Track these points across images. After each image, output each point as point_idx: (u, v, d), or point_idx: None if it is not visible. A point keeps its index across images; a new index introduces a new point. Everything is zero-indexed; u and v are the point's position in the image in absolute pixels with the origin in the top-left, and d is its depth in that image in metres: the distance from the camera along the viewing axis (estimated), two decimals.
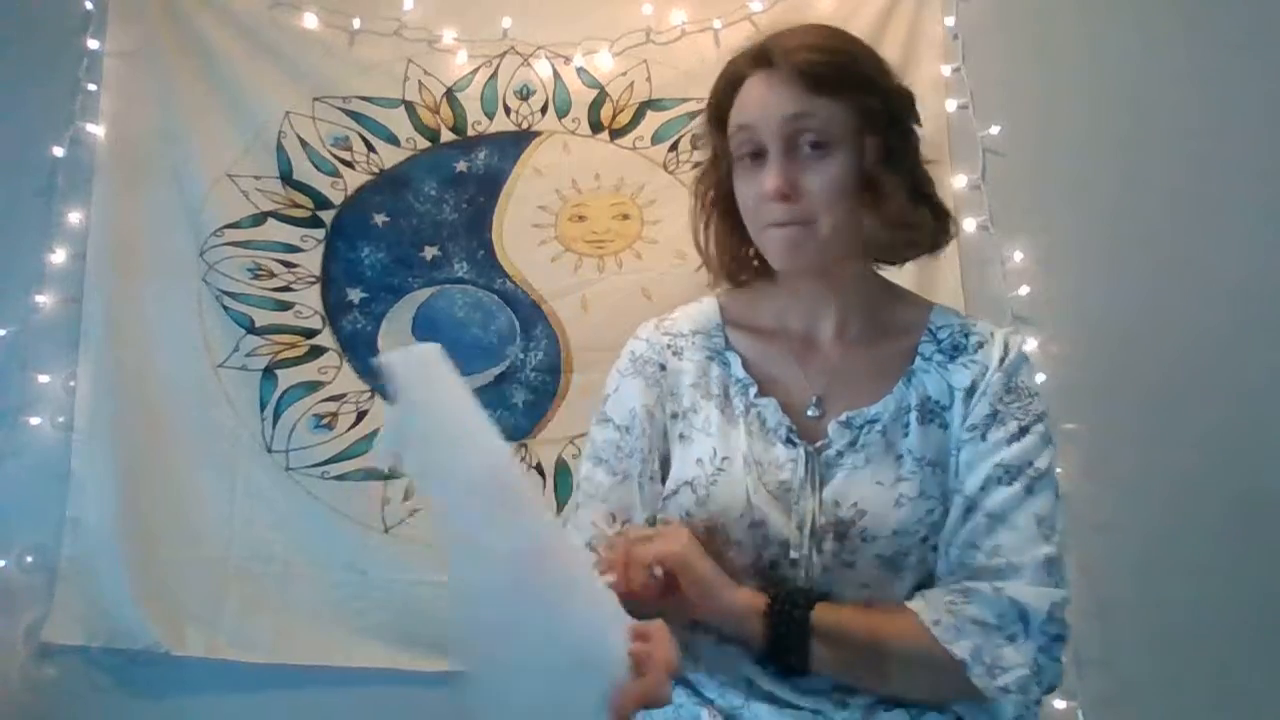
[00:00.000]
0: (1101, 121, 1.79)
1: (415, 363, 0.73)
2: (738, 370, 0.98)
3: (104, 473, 1.80)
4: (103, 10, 1.88)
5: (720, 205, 1.00)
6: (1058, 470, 0.92)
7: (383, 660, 1.75)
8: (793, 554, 0.90)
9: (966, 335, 0.96)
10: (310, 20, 1.87)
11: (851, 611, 0.87)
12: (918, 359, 0.96)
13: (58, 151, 1.85)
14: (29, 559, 1.81)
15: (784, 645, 0.86)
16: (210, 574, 1.78)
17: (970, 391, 0.92)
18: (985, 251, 1.79)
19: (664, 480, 0.98)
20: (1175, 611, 1.71)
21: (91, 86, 1.87)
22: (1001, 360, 0.93)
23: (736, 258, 1.02)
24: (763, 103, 0.90)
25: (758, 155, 0.91)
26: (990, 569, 0.86)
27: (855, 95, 0.90)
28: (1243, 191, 1.78)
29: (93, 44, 1.88)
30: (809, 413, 0.95)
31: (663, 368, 1.00)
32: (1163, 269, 1.78)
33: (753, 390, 0.96)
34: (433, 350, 0.73)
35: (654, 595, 0.83)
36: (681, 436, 0.97)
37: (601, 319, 1.80)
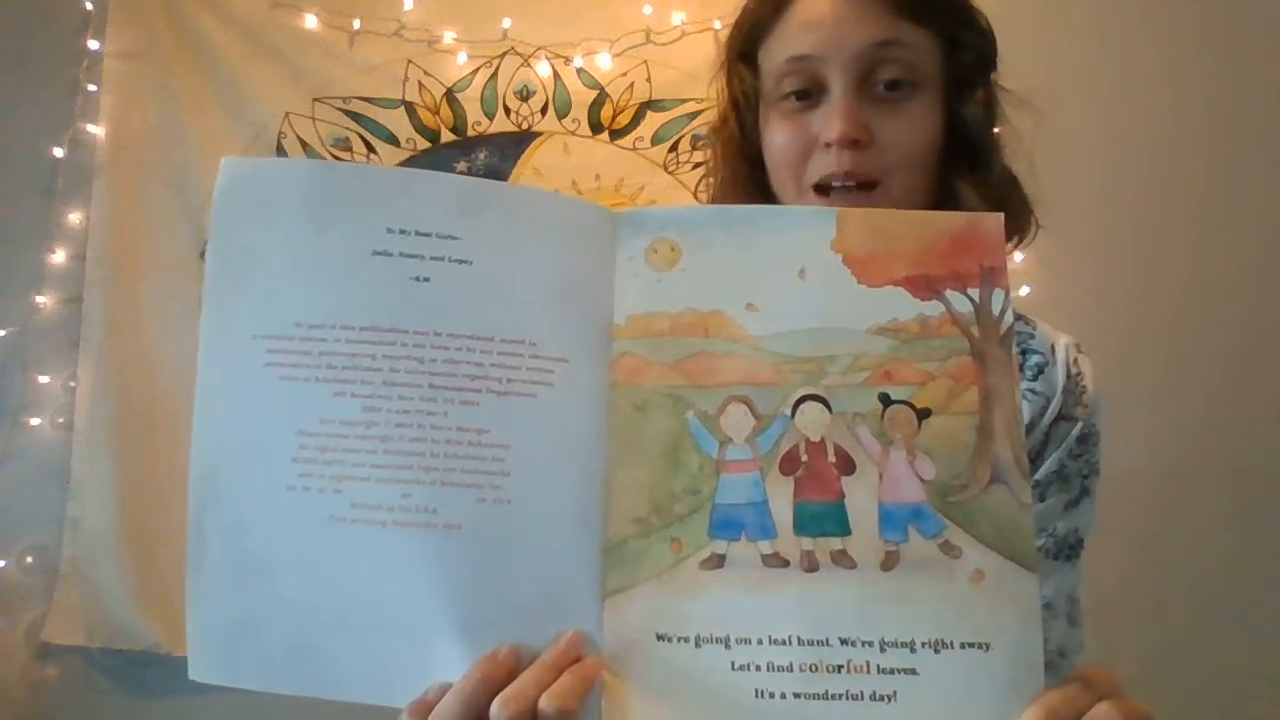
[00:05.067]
0: (1101, 122, 1.79)
1: None
2: None
3: (104, 473, 1.79)
4: (103, 11, 1.87)
5: (740, 165, 0.80)
6: None
7: None
8: None
9: (1024, 353, 0.77)
10: (310, 21, 1.87)
11: None
12: None
13: (58, 151, 1.85)
14: (29, 559, 1.80)
15: None
16: None
17: (1028, 430, 0.73)
18: None
19: None
20: (1175, 612, 1.71)
21: (91, 87, 1.86)
22: (1065, 390, 0.75)
23: None
24: (834, 25, 0.70)
25: (806, 95, 0.72)
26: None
27: (952, 26, 0.72)
28: (1243, 190, 1.78)
29: (93, 44, 1.87)
30: None
31: None
32: (1163, 268, 1.78)
33: None
34: None
35: None
36: None
37: None
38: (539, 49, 1.87)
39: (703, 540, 0.50)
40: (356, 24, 1.87)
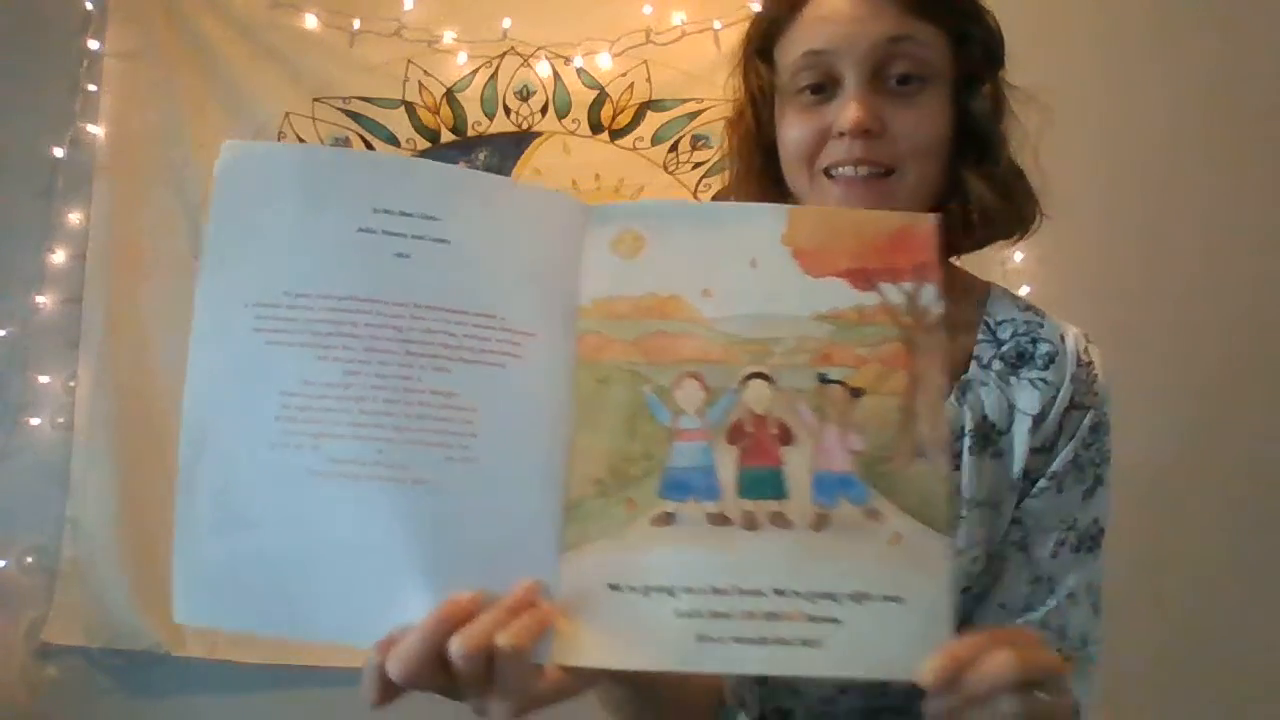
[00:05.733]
0: (1101, 121, 1.80)
1: None
2: None
3: (104, 473, 1.80)
4: (103, 11, 1.88)
5: (755, 157, 0.82)
6: None
7: None
8: None
9: (1034, 341, 0.78)
10: (310, 21, 1.88)
11: None
12: (974, 365, 0.77)
13: (58, 151, 1.86)
14: (29, 559, 1.81)
15: None
16: None
17: (1040, 419, 0.75)
18: (985, 251, 1.79)
19: None
20: (1175, 608, 1.71)
21: (91, 87, 1.87)
22: (1076, 379, 0.76)
23: None
24: (849, 22, 0.73)
25: (821, 89, 0.74)
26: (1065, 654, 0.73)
27: (961, 22, 0.75)
28: (1243, 190, 1.78)
29: (93, 44, 1.88)
30: None
31: None
32: (1163, 268, 1.78)
33: None
34: None
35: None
36: None
37: None
38: (539, 49, 1.88)
39: (654, 500, 0.54)
40: (356, 24, 1.88)
